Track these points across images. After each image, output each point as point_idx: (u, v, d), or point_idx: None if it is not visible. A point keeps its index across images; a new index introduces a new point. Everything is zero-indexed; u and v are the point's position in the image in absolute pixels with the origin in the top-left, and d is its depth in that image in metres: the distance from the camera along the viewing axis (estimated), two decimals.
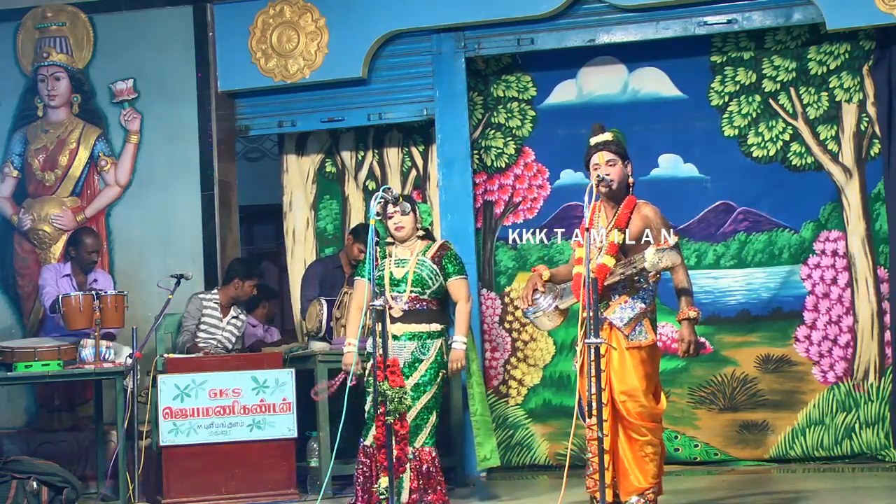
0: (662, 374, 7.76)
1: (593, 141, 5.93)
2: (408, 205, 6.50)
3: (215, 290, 8.07)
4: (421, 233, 6.55)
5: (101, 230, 8.60)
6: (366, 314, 6.54)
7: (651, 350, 5.81)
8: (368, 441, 6.42)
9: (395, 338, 6.30)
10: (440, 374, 6.48)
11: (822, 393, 8.00)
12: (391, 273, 6.44)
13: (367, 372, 6.47)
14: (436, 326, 6.49)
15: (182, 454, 7.22)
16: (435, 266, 6.47)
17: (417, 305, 6.40)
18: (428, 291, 6.45)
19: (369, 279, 6.48)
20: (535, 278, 6.05)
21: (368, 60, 8.39)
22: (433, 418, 6.46)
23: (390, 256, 6.50)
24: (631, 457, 5.78)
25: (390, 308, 6.35)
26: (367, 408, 6.44)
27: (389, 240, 6.59)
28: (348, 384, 6.49)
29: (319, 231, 8.86)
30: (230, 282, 8.05)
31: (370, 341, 6.50)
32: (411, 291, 6.38)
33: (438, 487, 6.39)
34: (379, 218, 6.23)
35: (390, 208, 6.48)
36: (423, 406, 6.37)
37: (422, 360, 6.40)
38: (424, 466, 6.37)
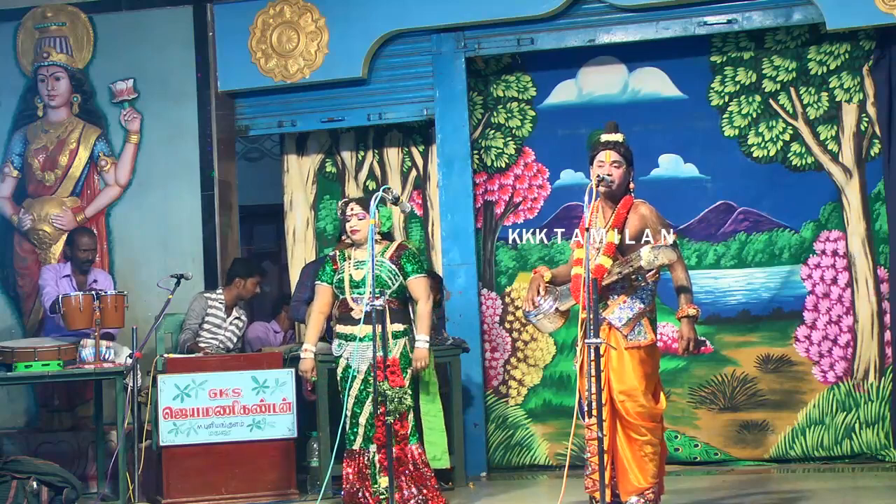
0: (663, 373, 7.76)
1: (604, 138, 5.91)
2: (361, 208, 6.50)
3: (220, 290, 8.05)
4: (378, 236, 6.52)
5: (101, 230, 8.60)
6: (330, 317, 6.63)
7: (650, 350, 5.81)
8: (356, 445, 6.41)
9: (358, 339, 6.26)
10: (408, 371, 6.48)
11: (822, 393, 8.00)
12: (351, 275, 6.44)
13: (339, 375, 6.48)
14: (398, 326, 6.48)
15: (182, 454, 7.22)
16: (393, 266, 6.46)
17: (377, 305, 6.32)
18: (388, 292, 6.43)
19: (330, 283, 6.52)
20: (537, 280, 6.02)
21: (368, 60, 8.39)
22: (411, 416, 6.46)
23: (349, 259, 6.50)
24: (630, 457, 5.77)
25: (351, 310, 6.34)
26: (348, 411, 6.44)
27: (348, 241, 6.59)
28: (308, 390, 6.53)
29: (319, 231, 8.87)
30: (232, 282, 8.03)
31: (336, 344, 6.52)
32: (372, 292, 6.32)
33: (429, 483, 6.38)
34: (374, 220, 6.21)
35: (348, 211, 6.49)
36: None
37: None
38: (412, 464, 6.37)
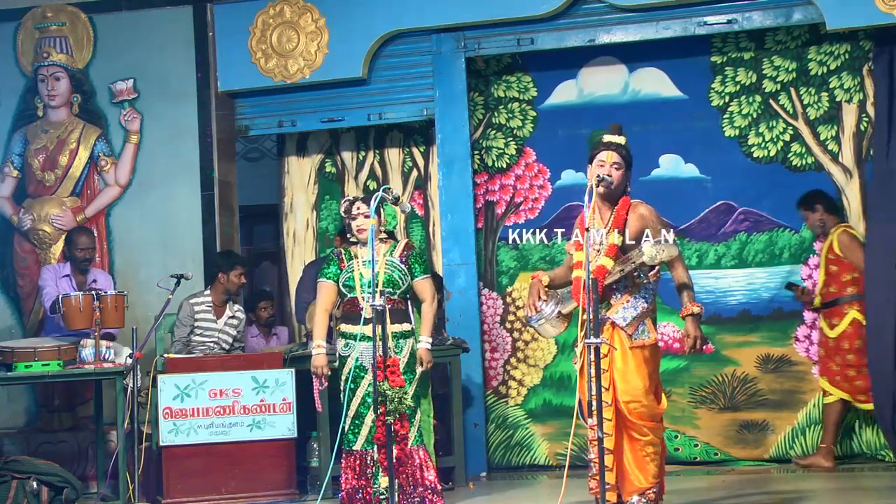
0: (663, 373, 7.75)
1: (607, 138, 5.91)
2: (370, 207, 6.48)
3: (207, 292, 7.91)
4: (384, 235, 6.53)
5: (101, 230, 8.60)
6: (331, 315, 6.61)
7: (653, 350, 5.82)
8: (357, 445, 6.41)
9: (369, 339, 6.26)
10: (416, 371, 6.50)
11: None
12: (361, 274, 6.43)
13: (343, 375, 6.47)
14: (407, 326, 6.51)
15: (182, 454, 7.22)
16: (403, 266, 6.47)
17: (389, 306, 6.30)
18: (398, 292, 6.46)
19: (335, 281, 6.51)
20: (537, 285, 6.01)
21: (368, 60, 8.39)
22: (418, 417, 6.47)
23: (356, 258, 6.49)
24: (632, 457, 5.78)
25: (360, 309, 6.33)
26: (351, 411, 6.44)
27: (353, 240, 6.58)
28: (322, 388, 6.49)
29: (321, 232, 8.87)
30: (215, 279, 7.88)
31: (341, 343, 6.51)
32: (383, 292, 6.30)
33: (430, 485, 6.38)
34: (374, 220, 6.19)
35: (354, 210, 6.48)
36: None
37: None
38: (417, 465, 6.36)
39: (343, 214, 6.59)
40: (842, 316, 7.66)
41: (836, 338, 7.69)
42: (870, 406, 7.65)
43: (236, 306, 7.97)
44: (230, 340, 7.90)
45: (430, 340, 6.56)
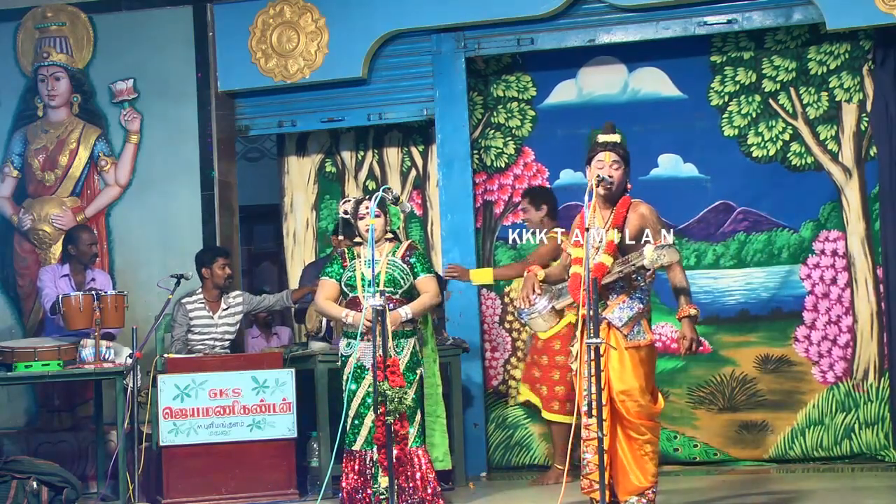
0: (662, 373, 7.78)
1: (603, 138, 5.91)
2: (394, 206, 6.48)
3: (198, 290, 7.92)
4: (389, 235, 6.55)
5: (101, 230, 8.60)
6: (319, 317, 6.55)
7: (649, 350, 5.83)
8: (357, 445, 6.41)
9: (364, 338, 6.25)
10: (417, 372, 6.49)
11: (822, 393, 8.00)
12: (362, 274, 6.43)
13: (344, 375, 6.47)
14: (408, 326, 6.49)
15: (182, 454, 7.22)
16: (405, 266, 6.48)
17: (390, 305, 6.30)
18: (400, 291, 6.46)
19: (338, 279, 6.51)
20: (532, 279, 6.05)
21: (368, 60, 8.39)
22: (418, 418, 6.47)
23: (359, 257, 6.50)
24: (631, 456, 5.79)
25: (362, 308, 6.30)
26: (352, 411, 6.44)
27: (357, 240, 6.58)
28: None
29: (321, 231, 8.88)
30: (200, 275, 7.89)
31: (343, 342, 6.50)
32: (384, 291, 6.30)
33: (430, 487, 6.38)
34: (372, 219, 6.18)
35: (361, 209, 6.48)
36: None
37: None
38: (417, 466, 6.36)
39: (344, 214, 6.57)
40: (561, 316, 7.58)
41: (547, 339, 7.50)
42: (561, 418, 7.41)
43: (231, 296, 7.95)
44: (231, 330, 7.90)
45: (410, 314, 6.42)
